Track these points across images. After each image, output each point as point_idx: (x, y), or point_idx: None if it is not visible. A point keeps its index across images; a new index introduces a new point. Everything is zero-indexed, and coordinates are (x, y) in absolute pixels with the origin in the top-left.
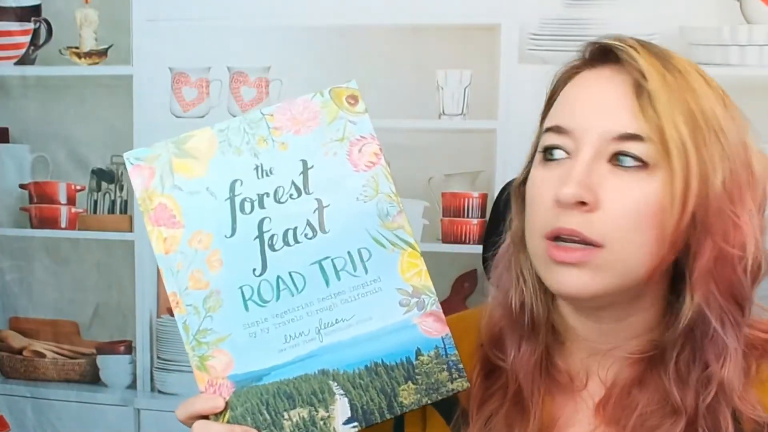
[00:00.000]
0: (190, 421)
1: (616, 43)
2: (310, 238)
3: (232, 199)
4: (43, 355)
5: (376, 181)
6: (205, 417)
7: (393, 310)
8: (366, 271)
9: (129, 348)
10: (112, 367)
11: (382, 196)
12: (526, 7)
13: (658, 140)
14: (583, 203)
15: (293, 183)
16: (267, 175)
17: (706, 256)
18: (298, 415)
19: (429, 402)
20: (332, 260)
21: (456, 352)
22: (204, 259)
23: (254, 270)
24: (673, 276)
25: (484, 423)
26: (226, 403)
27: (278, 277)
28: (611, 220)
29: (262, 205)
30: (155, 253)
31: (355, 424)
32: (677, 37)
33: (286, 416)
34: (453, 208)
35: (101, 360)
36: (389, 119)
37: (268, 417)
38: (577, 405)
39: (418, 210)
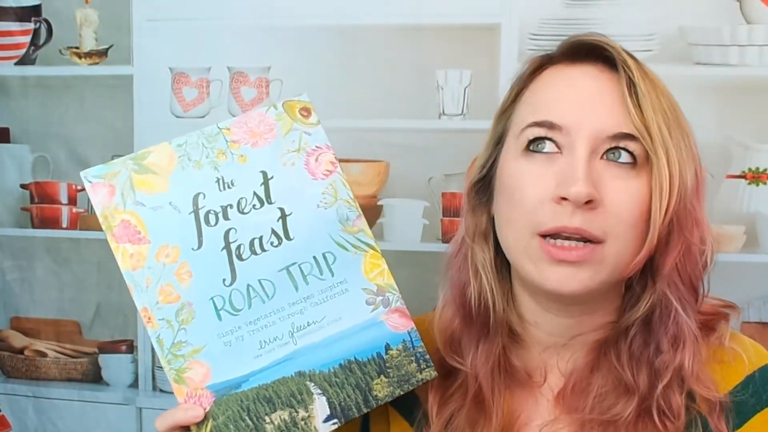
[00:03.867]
0: None
1: (603, 41)
2: (276, 246)
3: (196, 212)
4: (44, 355)
5: (334, 188)
6: (186, 428)
7: (360, 309)
8: (332, 274)
9: (130, 347)
10: (114, 366)
11: (341, 202)
12: (526, 7)
13: (648, 139)
14: (590, 201)
15: (255, 194)
16: (229, 187)
17: (677, 251)
18: (279, 417)
19: (401, 393)
20: (299, 266)
21: (422, 344)
22: (173, 273)
23: (224, 280)
24: None
25: (444, 424)
26: (208, 413)
27: (248, 285)
28: (612, 216)
29: (226, 217)
30: (122, 270)
31: (335, 420)
32: (677, 37)
33: (268, 420)
34: (453, 208)
35: (103, 359)
36: (389, 119)
37: (250, 423)
38: (537, 400)
39: (418, 210)
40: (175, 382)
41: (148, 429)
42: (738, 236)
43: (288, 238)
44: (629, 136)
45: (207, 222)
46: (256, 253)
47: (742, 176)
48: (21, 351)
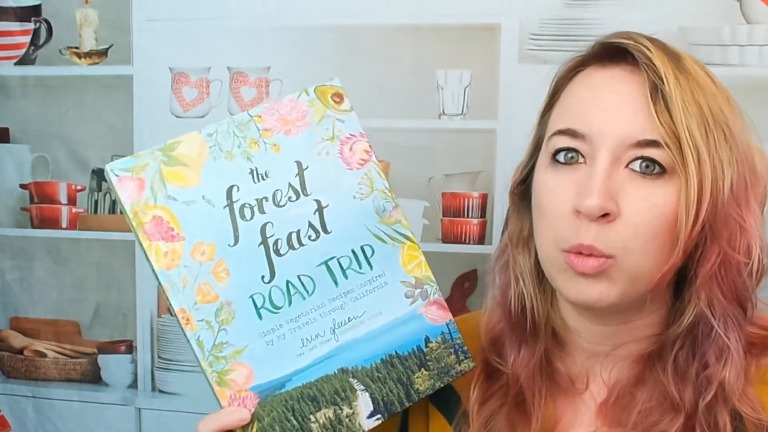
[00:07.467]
0: None
1: (630, 42)
2: (314, 240)
3: (230, 206)
4: (44, 355)
5: (370, 178)
6: (232, 431)
7: (400, 302)
8: (371, 268)
9: (130, 348)
10: (113, 366)
11: (377, 193)
12: (526, 7)
13: (674, 146)
14: (605, 215)
15: (290, 185)
16: (263, 178)
17: (711, 261)
18: (324, 416)
19: (442, 385)
20: (338, 260)
21: (460, 335)
22: (210, 271)
23: (263, 277)
24: (677, 277)
25: (484, 422)
26: (253, 414)
27: (287, 281)
28: (630, 229)
29: (262, 210)
30: (156, 270)
31: (379, 416)
32: (677, 37)
33: (313, 419)
34: (453, 208)
35: (102, 360)
36: (389, 119)
37: (295, 422)
38: (578, 407)
39: (418, 210)
40: (217, 384)
41: (147, 429)
42: None
43: (325, 231)
44: (654, 143)
45: (242, 216)
46: (294, 248)
47: None
48: (20, 351)
